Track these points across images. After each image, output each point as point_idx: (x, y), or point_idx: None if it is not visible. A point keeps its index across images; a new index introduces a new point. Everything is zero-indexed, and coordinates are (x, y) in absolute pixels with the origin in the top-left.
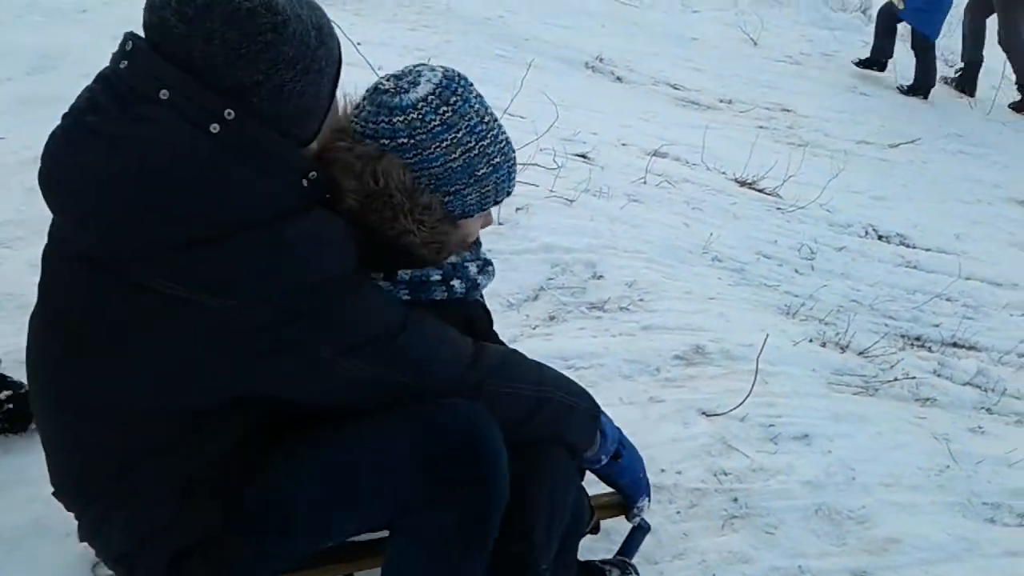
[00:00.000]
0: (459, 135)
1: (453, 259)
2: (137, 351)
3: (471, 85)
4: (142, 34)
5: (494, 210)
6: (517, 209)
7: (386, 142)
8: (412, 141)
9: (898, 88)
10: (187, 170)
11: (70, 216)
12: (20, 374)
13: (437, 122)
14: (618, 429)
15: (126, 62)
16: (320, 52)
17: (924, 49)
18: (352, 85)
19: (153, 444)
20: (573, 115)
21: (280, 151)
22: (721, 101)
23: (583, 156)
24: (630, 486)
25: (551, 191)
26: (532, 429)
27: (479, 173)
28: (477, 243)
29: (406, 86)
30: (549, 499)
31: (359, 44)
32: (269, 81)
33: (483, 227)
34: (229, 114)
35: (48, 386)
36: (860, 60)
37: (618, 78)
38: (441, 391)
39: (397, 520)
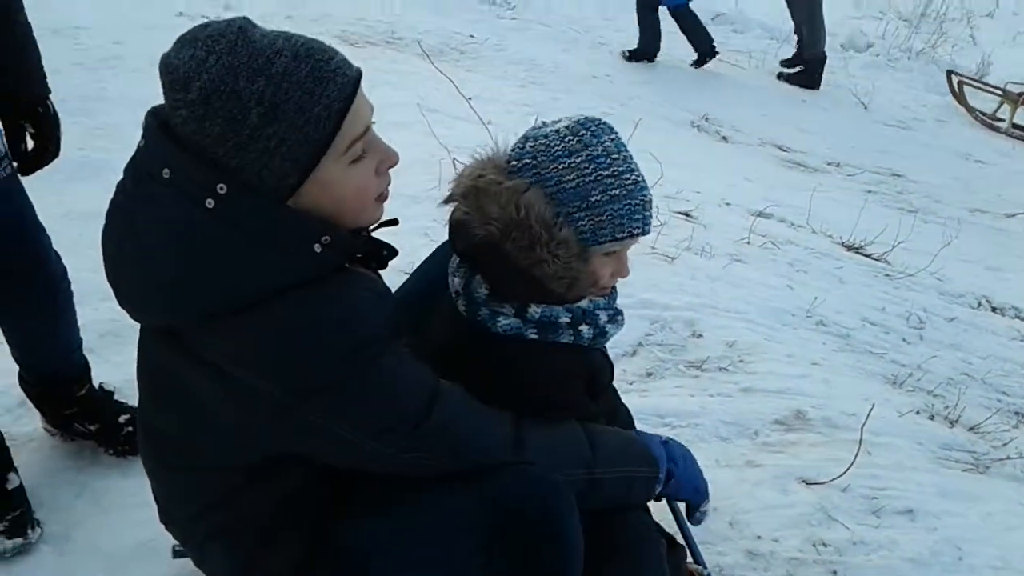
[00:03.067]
0: (577, 161)
1: (584, 304)
2: (189, 409)
3: (609, 130)
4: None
5: (627, 255)
6: None
7: (515, 163)
8: (533, 162)
9: (621, 54)
10: (186, 249)
11: (112, 285)
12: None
13: (559, 147)
14: (663, 446)
15: (143, 141)
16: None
17: (648, 10)
18: (463, 139)
19: (226, 490)
20: (677, 173)
21: (283, 220)
22: (829, 164)
23: (686, 214)
24: (693, 497)
25: (653, 248)
26: (585, 507)
27: (592, 199)
28: (613, 292)
29: (551, 122)
30: None
31: (470, 99)
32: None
33: (614, 275)
34: (221, 188)
35: (142, 430)
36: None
37: (724, 138)
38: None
39: None
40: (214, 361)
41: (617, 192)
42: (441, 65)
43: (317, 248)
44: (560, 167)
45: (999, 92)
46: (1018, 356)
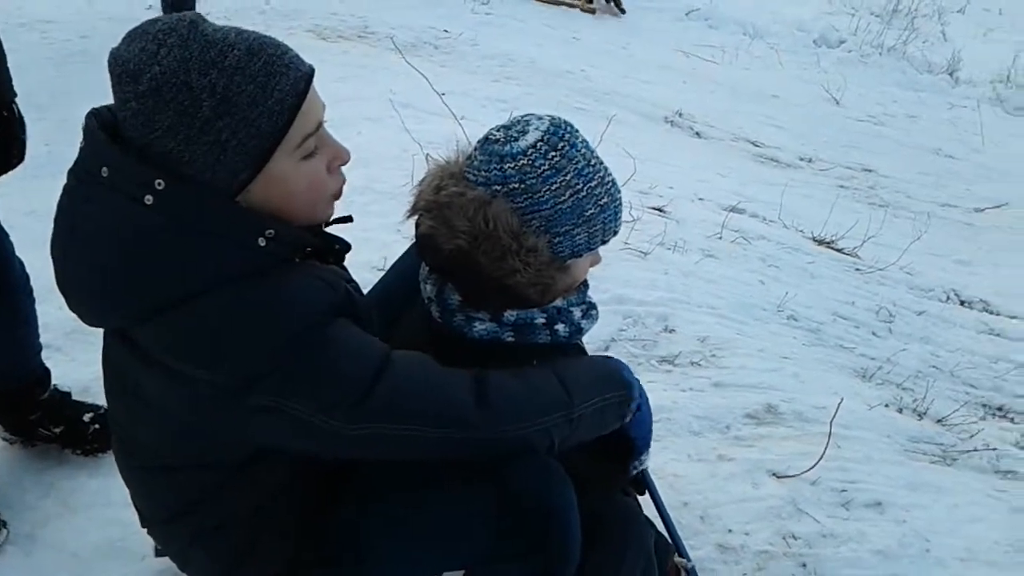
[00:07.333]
0: (567, 178)
1: (558, 303)
2: (152, 411)
3: (577, 131)
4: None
5: (602, 250)
6: None
7: (498, 188)
8: (523, 186)
9: None
10: (126, 247)
11: (62, 291)
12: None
13: (546, 167)
14: (636, 380)
15: (83, 142)
16: (243, 97)
17: None
18: (436, 134)
19: (202, 490)
20: (650, 169)
21: (223, 213)
22: (801, 159)
23: (659, 210)
24: (641, 439)
25: (626, 243)
26: (569, 445)
27: (587, 213)
28: (584, 285)
29: (515, 135)
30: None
31: (443, 94)
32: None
33: (592, 265)
34: (159, 184)
35: (113, 433)
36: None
37: (697, 133)
38: (455, 439)
39: (469, 570)
40: (160, 359)
41: (606, 200)
42: (414, 60)
43: (261, 242)
44: (553, 187)
45: None
46: (986, 349)
